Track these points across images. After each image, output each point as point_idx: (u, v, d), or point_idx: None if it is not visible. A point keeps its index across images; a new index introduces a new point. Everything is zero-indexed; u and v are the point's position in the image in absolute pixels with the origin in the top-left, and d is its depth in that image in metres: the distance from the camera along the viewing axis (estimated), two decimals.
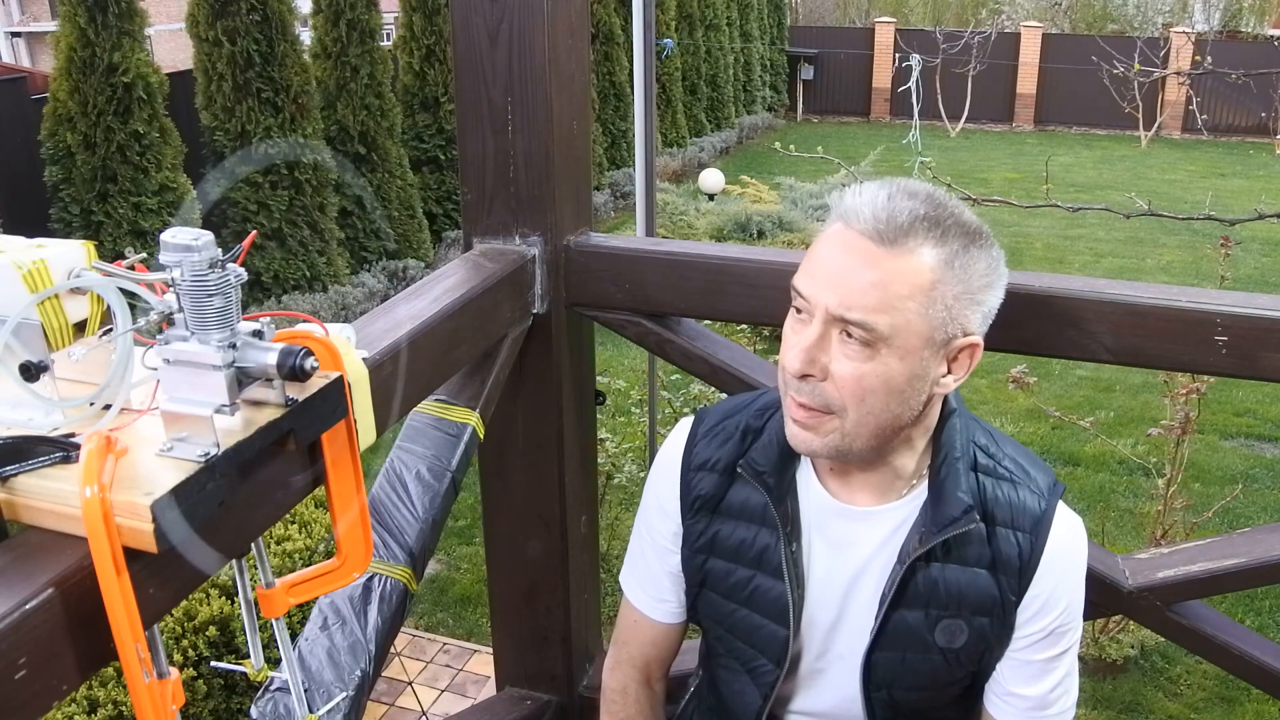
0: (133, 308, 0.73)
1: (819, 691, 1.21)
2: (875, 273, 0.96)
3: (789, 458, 1.14)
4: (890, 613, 1.11)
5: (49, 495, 0.70)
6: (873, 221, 0.96)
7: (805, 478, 1.15)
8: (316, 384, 0.80)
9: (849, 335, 0.97)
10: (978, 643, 1.11)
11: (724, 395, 1.44)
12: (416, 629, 3.70)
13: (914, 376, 0.99)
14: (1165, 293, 1.27)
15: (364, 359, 0.92)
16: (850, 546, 1.13)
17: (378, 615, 1.19)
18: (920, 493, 1.10)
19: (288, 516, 3.10)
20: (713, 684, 1.30)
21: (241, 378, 0.75)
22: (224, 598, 2.81)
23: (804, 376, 1.00)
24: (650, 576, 1.28)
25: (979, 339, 1.02)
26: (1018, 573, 1.09)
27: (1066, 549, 1.10)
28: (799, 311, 1.03)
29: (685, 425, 1.24)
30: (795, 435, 1.05)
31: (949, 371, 1.03)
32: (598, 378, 1.78)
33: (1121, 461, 4.96)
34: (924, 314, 0.97)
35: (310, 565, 0.88)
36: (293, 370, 0.74)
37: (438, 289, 1.31)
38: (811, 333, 1.00)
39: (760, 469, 1.13)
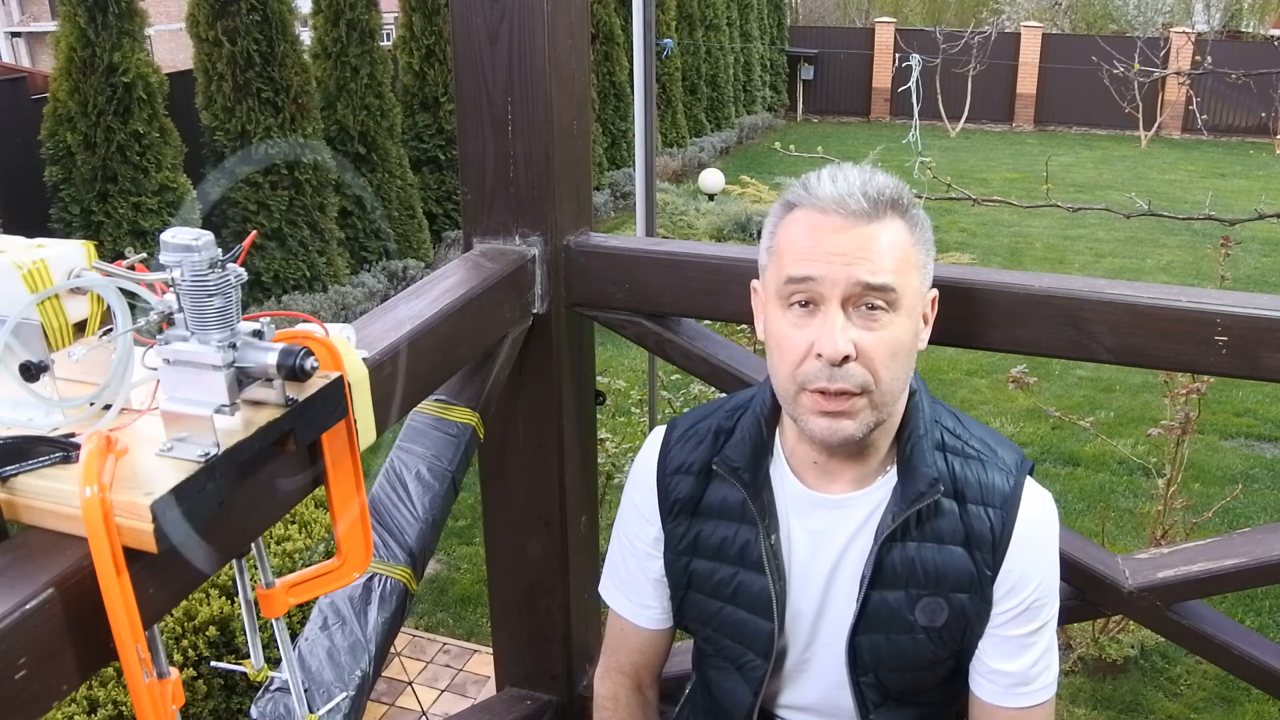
0: (133, 308, 0.73)
1: (808, 683, 1.22)
2: (880, 241, 1.03)
3: (762, 453, 1.17)
4: (870, 593, 1.13)
5: (49, 495, 0.70)
6: (861, 200, 1.03)
7: (779, 471, 1.17)
8: (316, 384, 0.80)
9: (870, 306, 1.03)
10: (959, 620, 1.13)
11: (724, 395, 1.44)
12: (416, 629, 3.70)
13: (915, 335, 1.08)
14: (1165, 293, 1.27)
15: (364, 359, 0.92)
16: (828, 535, 1.15)
17: (378, 615, 1.19)
18: (892, 476, 1.13)
19: (288, 516, 3.10)
20: (705, 685, 1.32)
21: (241, 378, 0.75)
22: (224, 598, 2.81)
23: (845, 359, 1.02)
24: (632, 584, 1.30)
25: (936, 291, 1.14)
26: (991, 548, 1.11)
27: (1037, 524, 1.13)
28: (802, 305, 1.05)
29: (658, 433, 1.27)
30: (830, 427, 1.05)
31: (924, 325, 1.12)
32: (598, 378, 1.78)
33: (1121, 461, 4.96)
34: (917, 272, 1.07)
35: (310, 565, 0.88)
36: (293, 370, 0.74)
37: (438, 289, 1.31)
38: (835, 315, 1.03)
39: (735, 465, 1.16)
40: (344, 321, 1.14)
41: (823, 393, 1.03)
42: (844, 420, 1.05)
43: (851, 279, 1.02)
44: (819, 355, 1.02)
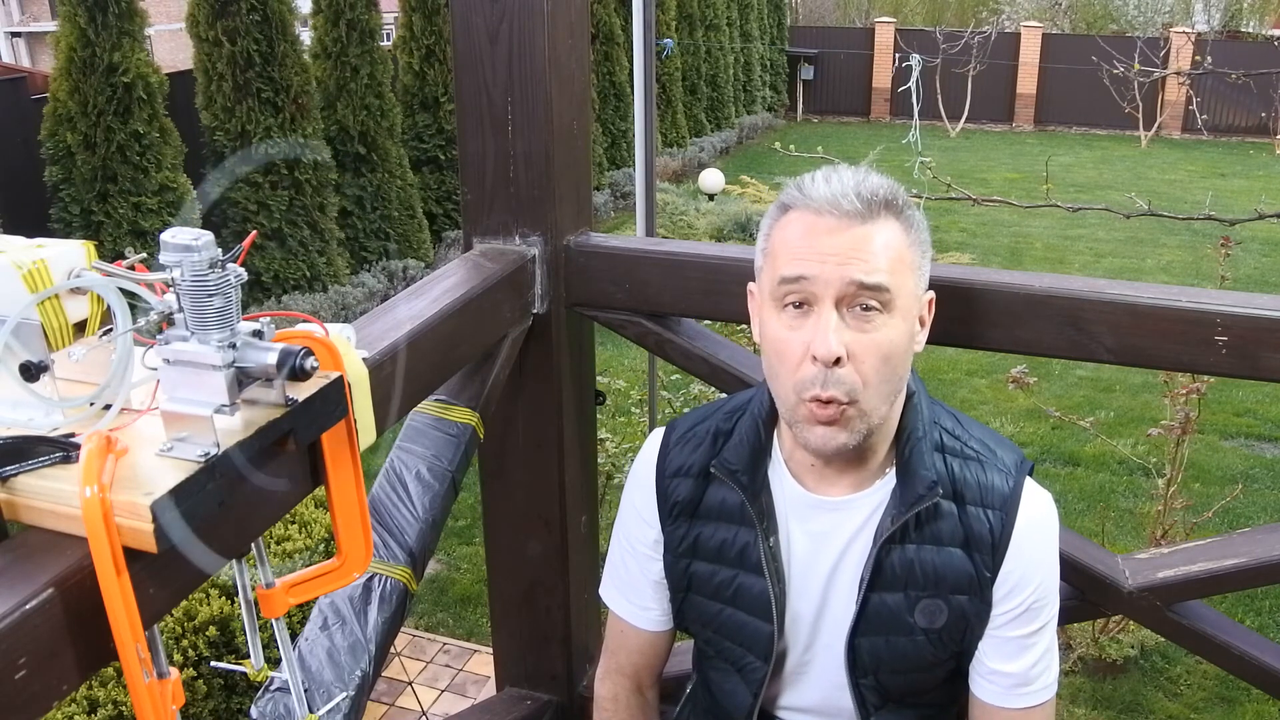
0: (133, 308, 0.73)
1: (808, 684, 1.22)
2: (875, 241, 1.03)
3: (760, 455, 1.17)
4: (869, 595, 1.12)
5: (49, 495, 0.70)
6: (855, 200, 1.03)
7: (778, 474, 1.17)
8: (316, 384, 0.80)
9: (864, 307, 1.02)
10: (958, 621, 1.13)
11: (724, 395, 1.44)
12: (416, 629, 3.70)
13: (909, 337, 1.07)
14: (1165, 293, 1.27)
15: (364, 359, 0.92)
16: (827, 537, 1.15)
17: (378, 615, 1.19)
18: (891, 478, 1.13)
19: (288, 516, 3.10)
20: (706, 685, 1.32)
21: (241, 378, 0.75)
22: (224, 598, 2.81)
23: (836, 361, 1.01)
24: (632, 585, 1.30)
25: (933, 293, 1.14)
26: (991, 549, 1.11)
27: (1037, 524, 1.13)
28: (796, 306, 1.05)
29: (657, 435, 1.26)
30: (824, 436, 1.05)
31: (920, 328, 1.11)
32: (598, 378, 1.78)
33: (1121, 461, 4.96)
34: (912, 273, 1.06)
35: (310, 565, 0.88)
36: (293, 370, 0.74)
37: (438, 289, 1.31)
38: (829, 315, 1.02)
39: (733, 467, 1.16)
40: (344, 321, 1.14)
41: (817, 400, 1.03)
42: (837, 430, 1.04)
43: (845, 278, 1.01)
44: (814, 358, 1.02)
